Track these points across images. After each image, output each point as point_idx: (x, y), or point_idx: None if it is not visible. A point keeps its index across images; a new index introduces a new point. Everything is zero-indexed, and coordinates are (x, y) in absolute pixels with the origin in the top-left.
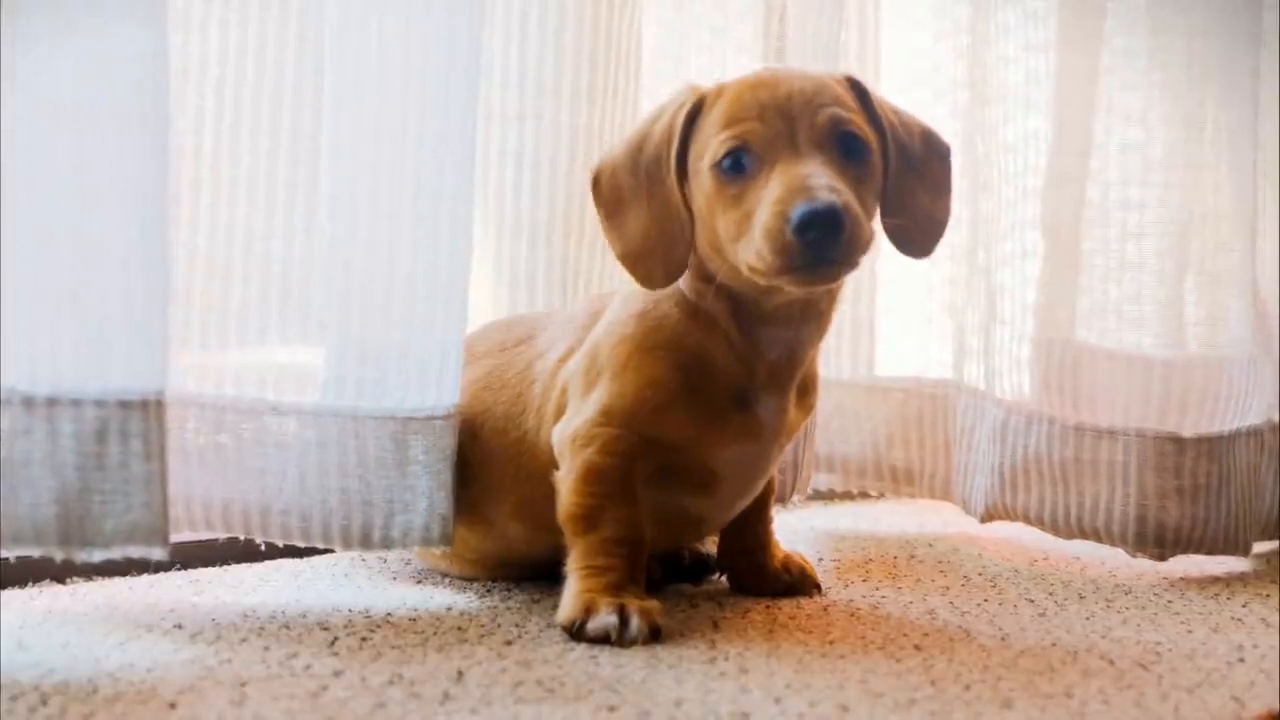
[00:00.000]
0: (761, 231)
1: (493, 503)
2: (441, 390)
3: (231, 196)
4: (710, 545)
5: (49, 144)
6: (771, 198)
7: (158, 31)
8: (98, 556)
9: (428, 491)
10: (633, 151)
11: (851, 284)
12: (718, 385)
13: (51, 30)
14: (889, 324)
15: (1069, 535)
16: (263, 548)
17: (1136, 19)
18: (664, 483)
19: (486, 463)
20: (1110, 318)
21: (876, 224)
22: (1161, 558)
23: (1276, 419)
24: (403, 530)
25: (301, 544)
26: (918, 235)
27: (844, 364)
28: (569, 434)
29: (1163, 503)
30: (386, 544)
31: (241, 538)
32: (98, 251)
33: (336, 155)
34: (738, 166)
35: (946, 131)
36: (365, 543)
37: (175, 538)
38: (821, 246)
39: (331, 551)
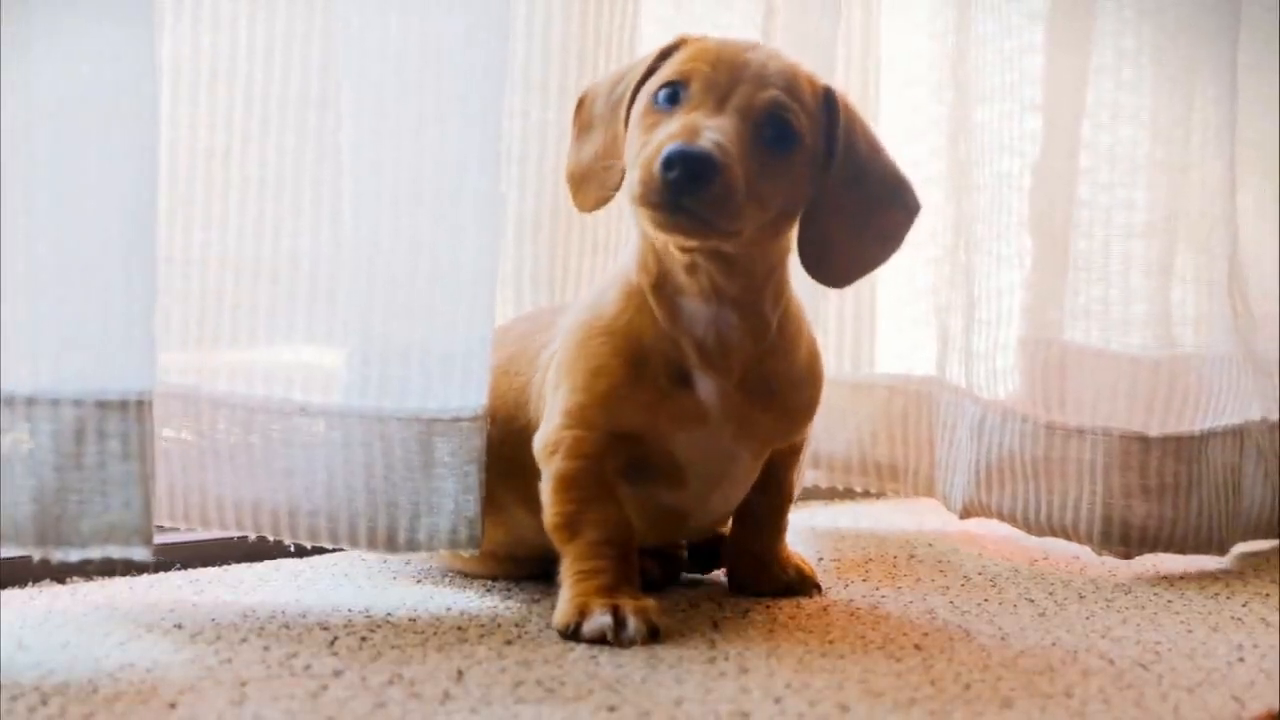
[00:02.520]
0: (641, 159)
1: (504, 487)
2: (467, 391)
3: (260, 195)
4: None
5: (29, 144)
6: (663, 132)
7: (143, 31)
8: (74, 556)
9: (453, 494)
10: (613, 80)
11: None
12: (655, 363)
13: (36, 30)
14: (883, 323)
15: (1040, 533)
16: (291, 546)
17: (1126, 19)
18: (637, 478)
19: (499, 446)
20: (1088, 317)
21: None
22: (1127, 556)
23: (1275, 419)
24: (429, 533)
25: (329, 545)
26: (827, 264)
27: (829, 361)
28: (542, 442)
29: (1128, 501)
30: (413, 546)
31: (271, 538)
32: (79, 252)
33: (359, 153)
34: (672, 99)
35: (940, 131)
36: (391, 545)
37: (186, 537)
38: (679, 189)
39: (337, 551)
